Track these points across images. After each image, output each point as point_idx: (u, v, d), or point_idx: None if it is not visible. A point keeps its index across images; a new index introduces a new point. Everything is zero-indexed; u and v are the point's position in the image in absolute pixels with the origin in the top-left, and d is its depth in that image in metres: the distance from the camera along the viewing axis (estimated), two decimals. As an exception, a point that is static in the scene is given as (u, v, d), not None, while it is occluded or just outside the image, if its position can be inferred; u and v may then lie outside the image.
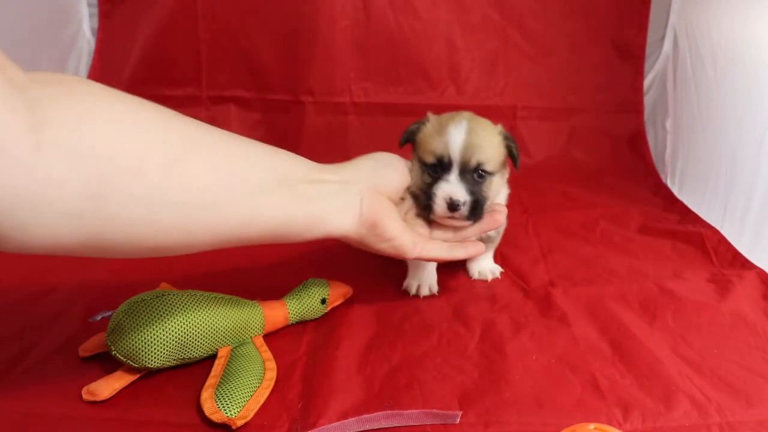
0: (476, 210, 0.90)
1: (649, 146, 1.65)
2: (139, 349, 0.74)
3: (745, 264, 1.10)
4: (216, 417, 0.70)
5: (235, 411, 0.70)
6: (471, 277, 1.06)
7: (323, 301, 0.93)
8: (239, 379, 0.75)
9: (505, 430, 0.71)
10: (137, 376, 0.77)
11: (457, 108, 1.61)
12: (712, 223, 1.25)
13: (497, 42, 1.64)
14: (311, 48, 1.57)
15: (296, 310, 0.91)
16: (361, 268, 1.08)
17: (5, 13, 1.33)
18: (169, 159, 0.60)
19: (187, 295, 0.80)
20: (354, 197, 0.80)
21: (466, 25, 1.62)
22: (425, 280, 1.01)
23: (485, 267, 1.07)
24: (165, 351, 0.76)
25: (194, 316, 0.78)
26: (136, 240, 0.59)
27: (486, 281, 1.05)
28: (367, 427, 0.71)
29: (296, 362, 0.83)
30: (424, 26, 1.59)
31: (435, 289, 1.01)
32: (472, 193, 0.89)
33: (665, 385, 0.78)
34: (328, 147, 1.61)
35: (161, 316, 0.76)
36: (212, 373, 0.77)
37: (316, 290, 0.93)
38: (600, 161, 1.65)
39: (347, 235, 0.80)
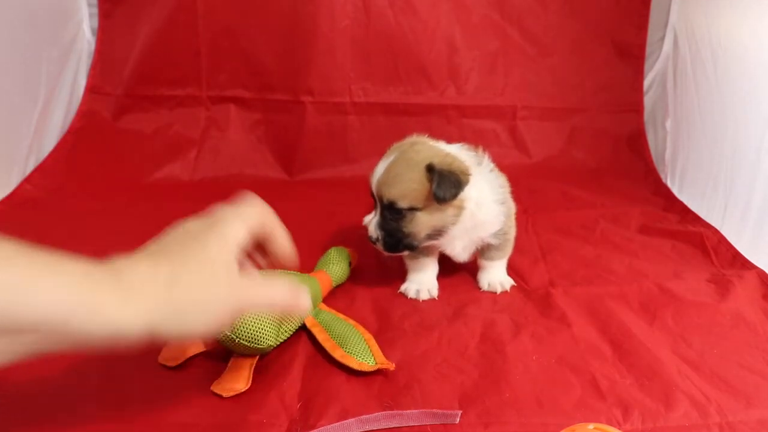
0: (393, 244, 0.93)
1: (649, 146, 1.65)
2: (259, 330, 0.78)
3: (745, 264, 1.10)
4: (365, 367, 0.79)
5: (373, 360, 0.80)
6: (480, 288, 1.03)
7: (350, 264, 1.04)
8: (351, 338, 0.84)
9: (505, 430, 0.71)
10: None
11: (457, 108, 1.64)
12: (712, 223, 1.25)
13: (497, 42, 1.64)
14: (311, 48, 1.57)
15: (336, 275, 1.00)
16: (361, 267, 1.08)
17: (5, 13, 1.33)
18: None
19: (278, 274, 0.85)
20: None
21: (466, 25, 1.62)
22: (425, 284, 1.01)
23: (495, 279, 1.02)
24: (274, 329, 0.80)
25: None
26: None
27: (495, 293, 1.02)
28: (367, 427, 0.71)
29: (296, 362, 0.83)
30: (424, 26, 1.59)
31: (435, 293, 1.01)
32: (384, 229, 0.93)
33: (665, 385, 0.78)
34: (328, 147, 1.61)
35: None
36: (321, 338, 0.84)
37: (343, 255, 1.03)
38: (600, 161, 1.65)
39: None
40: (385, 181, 0.91)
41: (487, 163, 0.98)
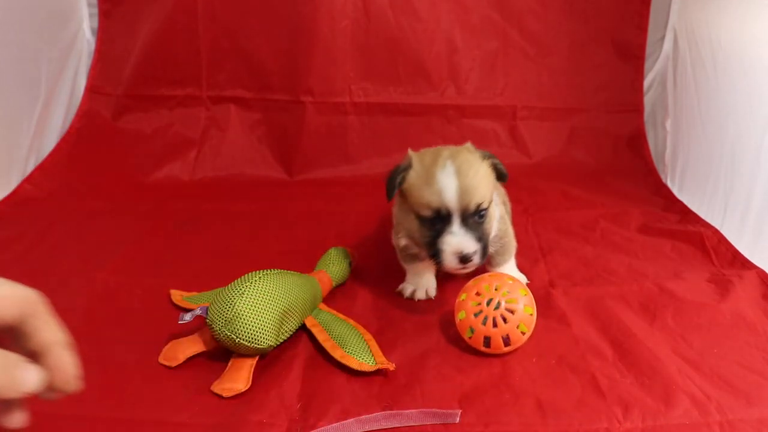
0: (485, 252, 0.88)
1: (649, 146, 1.65)
2: (260, 330, 0.79)
3: (745, 264, 1.10)
4: (365, 367, 0.79)
5: (373, 360, 0.80)
6: None
7: (350, 264, 1.04)
8: (351, 338, 0.84)
9: (505, 430, 0.71)
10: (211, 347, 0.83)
11: (457, 108, 1.64)
12: (712, 223, 1.25)
13: (497, 42, 1.64)
14: (311, 48, 1.57)
15: (336, 275, 1.01)
16: (361, 267, 1.08)
17: (5, 13, 1.33)
18: None
19: (278, 274, 0.86)
20: None
21: (466, 25, 1.62)
22: (422, 285, 1.01)
23: None
24: (275, 329, 0.81)
25: (291, 293, 0.85)
26: None
27: None
28: (367, 427, 0.71)
29: (296, 362, 0.83)
30: (424, 26, 1.59)
31: (432, 293, 1.01)
32: (479, 239, 0.85)
33: (665, 384, 0.78)
34: (328, 147, 1.61)
35: (271, 296, 0.82)
36: (321, 338, 0.85)
37: (343, 255, 1.04)
38: (600, 161, 1.65)
39: None
40: (469, 186, 0.85)
41: None
